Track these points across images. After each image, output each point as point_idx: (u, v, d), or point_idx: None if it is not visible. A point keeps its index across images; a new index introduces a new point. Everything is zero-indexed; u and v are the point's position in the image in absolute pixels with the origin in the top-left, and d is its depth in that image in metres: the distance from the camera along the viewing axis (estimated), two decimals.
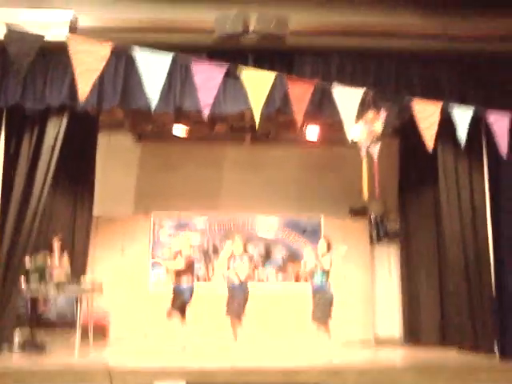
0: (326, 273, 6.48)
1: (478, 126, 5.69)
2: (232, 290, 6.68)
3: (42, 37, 4.65)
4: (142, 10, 6.04)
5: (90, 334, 6.72)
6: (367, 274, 8.78)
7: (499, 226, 6.15)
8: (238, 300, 6.57)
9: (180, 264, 6.72)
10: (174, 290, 6.80)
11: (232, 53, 5.92)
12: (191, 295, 6.76)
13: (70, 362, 5.24)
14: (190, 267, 6.81)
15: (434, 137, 5.19)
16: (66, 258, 7.00)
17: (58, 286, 6.24)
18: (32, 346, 5.78)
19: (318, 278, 6.50)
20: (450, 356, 6.23)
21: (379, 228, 9.07)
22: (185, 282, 6.74)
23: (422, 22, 6.04)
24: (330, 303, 6.43)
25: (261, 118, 5.16)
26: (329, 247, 6.67)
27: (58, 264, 6.78)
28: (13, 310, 5.97)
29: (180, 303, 6.70)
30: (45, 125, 6.29)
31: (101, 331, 7.98)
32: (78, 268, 7.52)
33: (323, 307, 6.36)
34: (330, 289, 6.47)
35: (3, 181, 6.06)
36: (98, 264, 8.42)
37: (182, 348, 6.55)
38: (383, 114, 5.17)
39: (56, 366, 5.03)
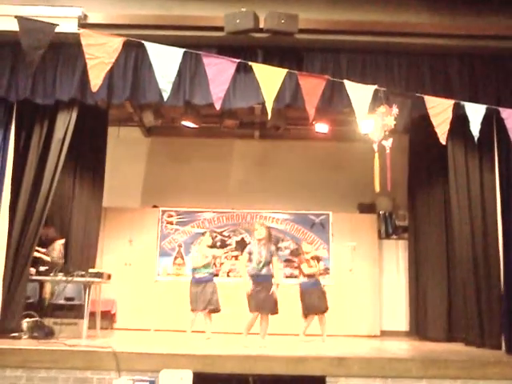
0: None
1: (489, 121, 5.65)
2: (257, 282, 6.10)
3: (55, 26, 4.60)
4: (151, 7, 6.01)
5: (98, 321, 6.77)
6: (375, 268, 8.79)
7: (509, 221, 6.11)
8: (264, 293, 6.05)
9: None
10: None
11: (242, 49, 5.92)
12: None
13: (77, 344, 5.27)
14: None
15: (446, 133, 5.19)
16: (55, 247, 7.00)
17: (67, 274, 6.27)
18: (40, 331, 5.83)
19: None
20: (457, 349, 6.23)
21: (388, 223, 9.07)
22: None
23: (432, 19, 5.99)
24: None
25: (272, 112, 5.14)
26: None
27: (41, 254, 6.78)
28: (22, 296, 6.03)
29: None
30: (55, 118, 6.28)
31: (108, 319, 8.17)
32: (88, 257, 7.62)
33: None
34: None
35: (13, 173, 6.06)
36: (106, 253, 8.56)
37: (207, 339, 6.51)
38: (395, 109, 5.14)
39: (63, 347, 5.08)
